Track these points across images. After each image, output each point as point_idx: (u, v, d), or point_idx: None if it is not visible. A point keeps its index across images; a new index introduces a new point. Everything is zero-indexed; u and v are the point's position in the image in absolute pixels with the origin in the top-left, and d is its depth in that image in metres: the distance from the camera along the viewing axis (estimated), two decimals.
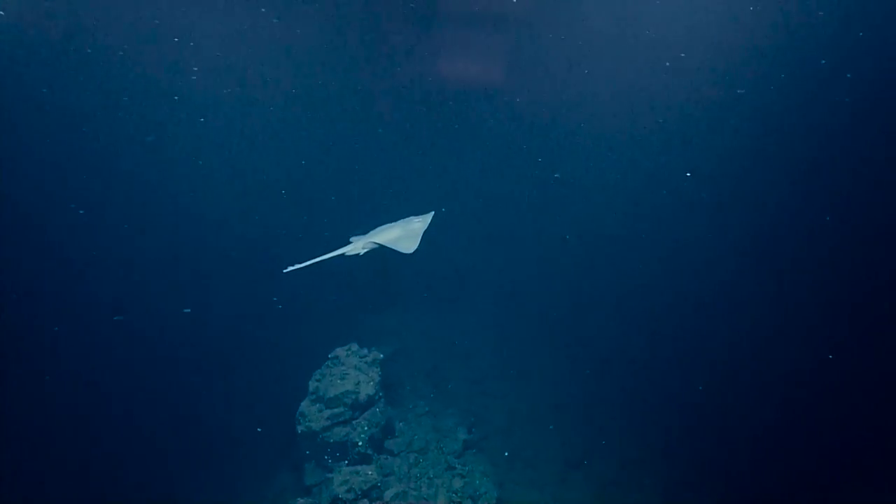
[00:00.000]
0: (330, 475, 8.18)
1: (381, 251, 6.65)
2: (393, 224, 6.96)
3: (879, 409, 9.43)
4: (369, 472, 8.08)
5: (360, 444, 8.52)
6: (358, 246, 6.47)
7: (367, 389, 8.89)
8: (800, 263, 12.51)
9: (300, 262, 5.91)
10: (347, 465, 8.40)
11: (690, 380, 11.17)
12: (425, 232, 6.82)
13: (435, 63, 17.16)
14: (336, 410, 8.62)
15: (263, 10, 13.88)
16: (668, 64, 15.59)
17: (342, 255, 6.36)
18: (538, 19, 15.15)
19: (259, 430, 9.75)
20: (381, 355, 9.83)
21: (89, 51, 13.86)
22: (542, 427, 10.99)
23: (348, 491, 7.75)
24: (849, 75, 12.89)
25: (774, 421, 10.22)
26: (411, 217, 7.05)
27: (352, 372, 9.08)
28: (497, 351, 13.10)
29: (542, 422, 11.14)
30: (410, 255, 6.50)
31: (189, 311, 11.63)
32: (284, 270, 5.88)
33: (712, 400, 10.55)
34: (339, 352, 9.62)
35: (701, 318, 12.49)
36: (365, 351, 9.76)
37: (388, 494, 7.96)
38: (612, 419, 11.08)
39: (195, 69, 15.38)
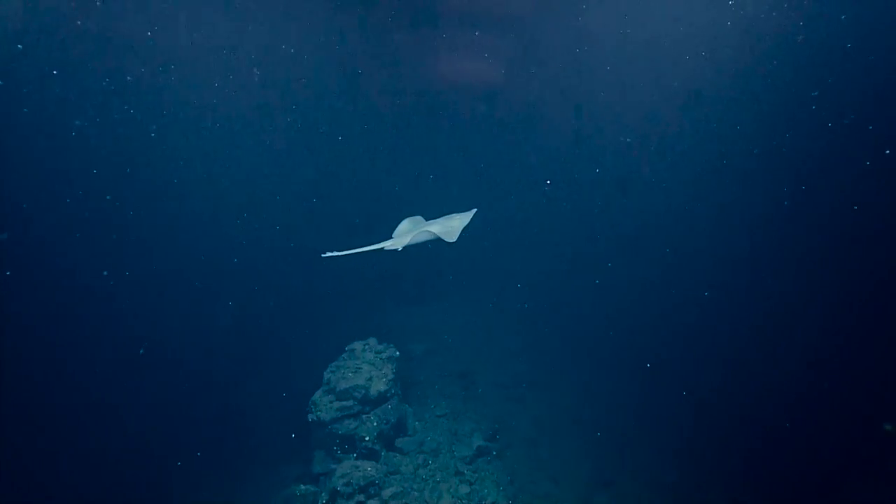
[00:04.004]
0: (335, 466, 8.30)
1: (420, 246, 6.70)
2: (433, 221, 6.99)
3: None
4: (369, 468, 8.07)
5: (367, 438, 8.55)
6: (398, 241, 6.54)
7: (378, 385, 8.89)
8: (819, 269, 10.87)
9: (339, 251, 6.08)
10: (355, 458, 8.46)
11: (742, 401, 9.84)
12: (465, 229, 6.70)
13: (442, 64, 16.96)
14: (345, 403, 8.71)
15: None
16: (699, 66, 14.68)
17: (381, 248, 6.46)
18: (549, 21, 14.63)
19: (278, 416, 10.11)
20: (398, 352, 9.79)
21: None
22: (572, 441, 10.31)
23: (346, 485, 7.79)
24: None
25: (832, 444, 8.69)
26: (452, 214, 7.04)
27: (365, 367, 9.13)
28: (534, 357, 12.52)
29: (573, 435, 10.45)
30: (451, 244, 6.45)
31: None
32: (323, 255, 6.11)
33: (763, 421, 9.22)
34: (356, 345, 9.73)
35: (755, 331, 10.98)
36: (381, 347, 9.77)
37: (387, 493, 7.90)
38: (652, 438, 10.10)
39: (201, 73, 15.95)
